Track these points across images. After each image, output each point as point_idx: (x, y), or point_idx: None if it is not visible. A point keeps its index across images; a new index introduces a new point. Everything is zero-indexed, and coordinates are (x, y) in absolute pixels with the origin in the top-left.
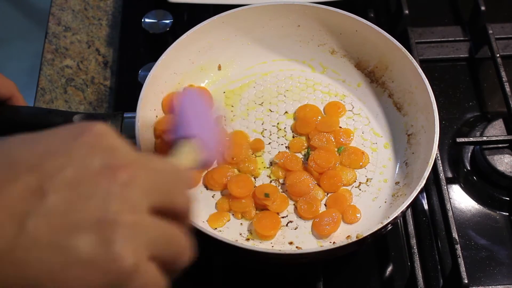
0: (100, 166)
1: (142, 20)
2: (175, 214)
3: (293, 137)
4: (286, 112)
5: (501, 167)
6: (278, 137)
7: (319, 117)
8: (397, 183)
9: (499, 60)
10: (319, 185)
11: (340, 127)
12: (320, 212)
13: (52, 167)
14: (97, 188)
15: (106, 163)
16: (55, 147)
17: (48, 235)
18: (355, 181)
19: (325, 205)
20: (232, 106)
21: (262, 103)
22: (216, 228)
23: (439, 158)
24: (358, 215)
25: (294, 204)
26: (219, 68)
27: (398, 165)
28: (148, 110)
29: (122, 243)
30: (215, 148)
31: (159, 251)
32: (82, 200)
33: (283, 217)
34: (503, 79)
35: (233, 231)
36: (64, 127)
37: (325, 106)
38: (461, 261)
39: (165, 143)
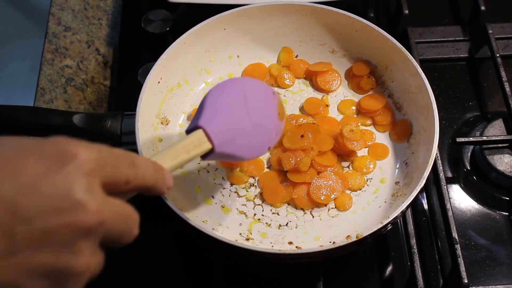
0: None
1: (142, 20)
2: (123, 187)
3: None
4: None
5: (501, 167)
6: None
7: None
8: (397, 183)
9: (499, 60)
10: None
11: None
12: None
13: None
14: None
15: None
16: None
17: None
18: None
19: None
20: None
21: None
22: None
23: (439, 158)
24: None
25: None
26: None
27: (398, 165)
28: (148, 110)
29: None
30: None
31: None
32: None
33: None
34: (503, 79)
35: (233, 231)
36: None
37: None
38: (461, 261)
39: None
